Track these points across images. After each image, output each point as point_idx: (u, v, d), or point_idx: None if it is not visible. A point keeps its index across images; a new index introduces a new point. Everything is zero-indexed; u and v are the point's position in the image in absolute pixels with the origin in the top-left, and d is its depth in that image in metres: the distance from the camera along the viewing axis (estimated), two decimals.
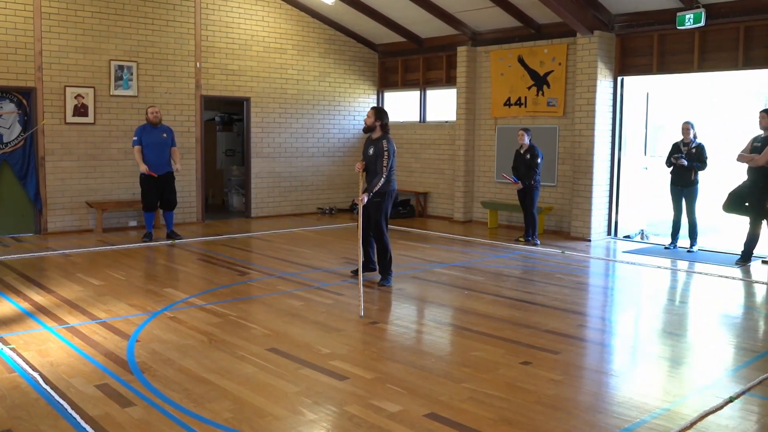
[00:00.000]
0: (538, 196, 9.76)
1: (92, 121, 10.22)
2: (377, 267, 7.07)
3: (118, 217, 10.57)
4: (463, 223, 11.92)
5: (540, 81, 10.90)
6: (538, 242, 9.56)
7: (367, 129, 6.89)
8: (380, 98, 13.85)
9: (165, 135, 9.51)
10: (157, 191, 9.47)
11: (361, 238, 6.91)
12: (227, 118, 14.47)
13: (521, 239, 9.83)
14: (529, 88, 11.07)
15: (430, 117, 13.09)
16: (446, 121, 12.64)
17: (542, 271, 7.87)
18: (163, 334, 5.21)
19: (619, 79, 10.18)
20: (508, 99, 11.38)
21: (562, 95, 10.62)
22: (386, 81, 13.75)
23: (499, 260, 8.58)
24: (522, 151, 9.63)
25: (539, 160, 9.43)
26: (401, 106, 13.55)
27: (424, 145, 12.91)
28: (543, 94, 10.88)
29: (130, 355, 4.70)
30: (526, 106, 11.14)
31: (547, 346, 5.02)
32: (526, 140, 9.53)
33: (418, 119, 13.20)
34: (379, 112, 6.86)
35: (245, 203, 12.49)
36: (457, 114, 12.03)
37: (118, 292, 6.57)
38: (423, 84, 13.02)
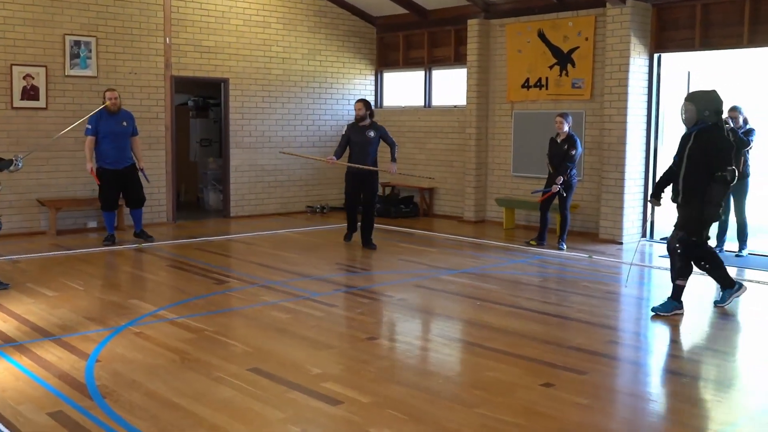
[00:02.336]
0: (573, 193, 9.70)
1: (44, 106, 10.21)
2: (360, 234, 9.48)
3: (75, 217, 10.57)
4: (474, 223, 11.92)
5: (563, 59, 10.90)
6: (564, 246, 9.57)
7: (361, 119, 9.31)
8: (379, 79, 13.86)
9: (125, 123, 9.50)
10: (118, 188, 9.46)
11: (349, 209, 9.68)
12: (202, 102, 14.47)
13: (533, 242, 9.84)
14: (550, 67, 11.08)
15: (437, 101, 13.08)
16: (455, 106, 12.64)
17: (566, 279, 7.87)
18: (128, 352, 5.20)
19: (656, 56, 10.18)
20: (527, 80, 11.38)
21: (589, 75, 10.62)
22: (386, 59, 13.74)
23: (516, 266, 8.56)
24: (559, 140, 9.57)
25: (575, 152, 9.37)
26: (403, 88, 13.55)
27: (429, 133, 12.91)
28: (567, 74, 10.88)
29: (89, 377, 4.68)
30: (547, 88, 11.15)
31: (571, 365, 5.01)
32: (566, 128, 9.49)
33: (422, 104, 13.20)
34: (368, 103, 9.40)
35: (223, 201, 12.50)
36: (467, 97, 12.03)
37: (75, 304, 6.55)
38: (428, 63, 13.02)
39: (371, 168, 9.34)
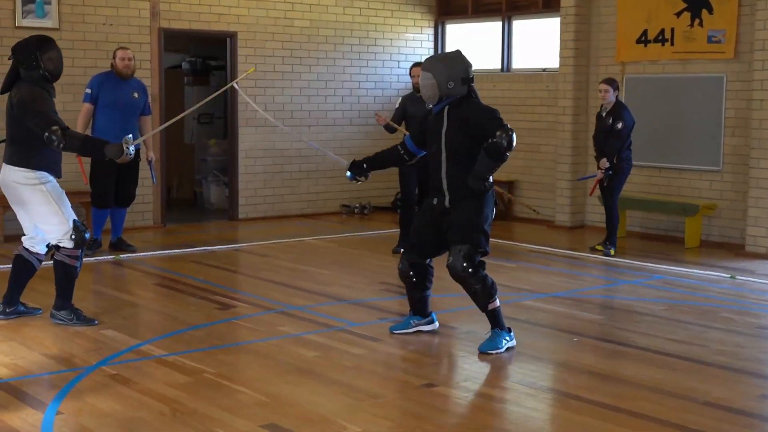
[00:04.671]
0: (624, 182, 10.10)
1: None
2: None
3: None
4: (570, 229, 11.81)
5: (697, 2, 10.76)
6: (612, 252, 9.91)
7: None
8: (439, 33, 13.84)
9: (136, 95, 9.66)
10: (114, 176, 9.56)
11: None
12: (201, 64, 14.61)
13: (599, 247, 10.17)
14: (678, 14, 10.95)
15: (519, 63, 13.02)
16: (543, 70, 12.57)
17: (699, 308, 7.76)
18: (100, 402, 5.22)
19: None
20: (644, 33, 11.26)
21: (732, 25, 10.48)
22: (448, 7, 13.73)
23: (627, 289, 8.49)
24: (604, 114, 9.97)
25: (621, 125, 9.76)
26: (472, 45, 13.47)
27: (508, 107, 12.78)
28: (701, 24, 10.75)
29: None
30: (672, 44, 11.04)
31: (708, 427, 4.93)
32: (612, 96, 9.85)
33: (499, 67, 13.15)
34: None
35: (229, 198, 12.60)
36: (560, 58, 11.97)
37: (30, 335, 6.61)
38: (507, 10, 12.97)
39: None
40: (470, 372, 5.96)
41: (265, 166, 12.45)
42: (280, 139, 12.48)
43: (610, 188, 10.00)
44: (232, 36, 12.11)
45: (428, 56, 6.40)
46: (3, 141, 7.20)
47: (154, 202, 11.57)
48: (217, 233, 11.43)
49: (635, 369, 5.96)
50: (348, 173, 6.85)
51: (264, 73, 12.31)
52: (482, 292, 6.23)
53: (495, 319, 6.35)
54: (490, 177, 6.20)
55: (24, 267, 6.96)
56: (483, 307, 6.30)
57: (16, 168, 6.64)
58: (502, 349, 6.27)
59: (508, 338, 6.35)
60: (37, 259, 6.95)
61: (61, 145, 6.42)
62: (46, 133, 6.36)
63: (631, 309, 7.69)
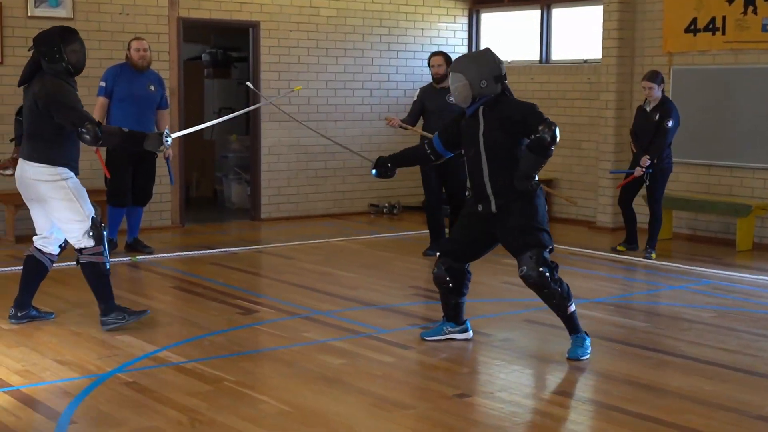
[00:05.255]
0: (666, 182, 10.07)
1: None
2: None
3: None
4: (612, 231, 11.75)
5: None
6: (652, 255, 9.88)
7: (441, 79, 9.51)
8: (474, 23, 13.82)
9: (152, 88, 9.71)
10: (129, 172, 9.62)
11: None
12: (222, 56, 14.66)
13: (621, 247, 10.32)
14: (730, 1, 10.88)
15: (558, 54, 13.00)
16: (584, 61, 12.54)
17: (751, 315, 7.72)
18: (116, 410, 5.24)
19: None
20: (693, 21, 11.19)
21: None
22: None
23: (674, 294, 8.47)
24: (648, 109, 9.91)
25: (669, 124, 9.73)
26: (508, 36, 13.48)
27: (547, 100, 12.75)
28: (755, 11, 10.68)
29: None
30: (724, 33, 10.98)
31: None
32: (657, 92, 9.81)
33: (537, 58, 13.14)
34: (449, 58, 9.53)
35: (251, 196, 12.64)
36: (603, 49, 11.93)
37: (42, 340, 6.65)
38: None
39: None
40: (506, 382, 5.92)
41: (289, 163, 12.48)
42: (304, 135, 12.46)
43: (653, 189, 9.95)
44: (255, 26, 12.14)
45: (465, 53, 6.39)
46: (12, 140, 7.24)
47: (173, 200, 11.62)
48: (238, 234, 11.47)
49: (682, 380, 5.93)
50: (373, 171, 6.87)
51: (288, 65, 12.34)
52: (560, 297, 6.20)
53: (574, 324, 6.33)
54: (536, 175, 6.18)
55: (36, 268, 6.99)
56: (563, 312, 6.26)
57: (36, 164, 6.65)
58: (588, 355, 6.29)
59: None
60: (49, 260, 6.99)
61: (98, 142, 6.44)
62: (81, 129, 6.37)
63: (678, 316, 7.64)
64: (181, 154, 11.57)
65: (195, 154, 13.59)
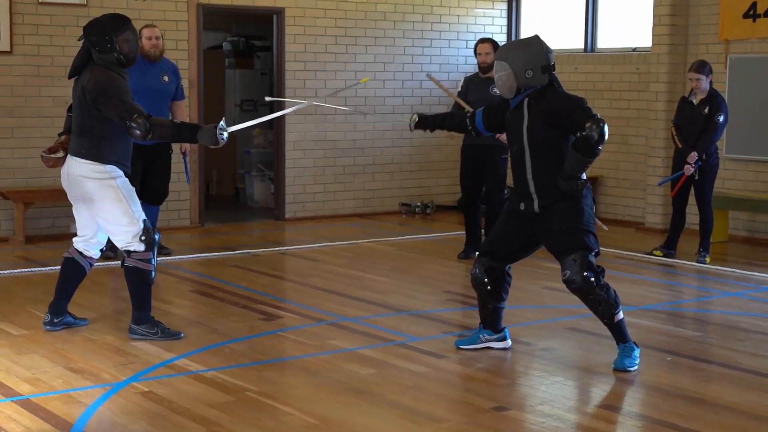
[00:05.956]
0: (715, 179, 10.06)
1: (7, 49, 10.51)
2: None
3: (53, 216, 10.84)
4: (662, 232, 11.66)
5: None
6: (706, 259, 9.85)
7: (488, 69, 9.44)
8: (514, 8, 13.79)
9: (166, 78, 9.68)
10: (140, 168, 9.63)
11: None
12: (244, 45, 14.70)
13: (657, 252, 10.23)
14: None
15: (604, 42, 12.98)
16: (633, 50, 12.50)
17: None
18: (132, 421, 5.26)
19: None
20: (753, 6, 11.12)
21: None
22: None
23: (730, 301, 8.40)
24: (695, 101, 9.82)
25: (721, 118, 9.66)
26: (551, 23, 13.47)
27: (592, 92, 12.71)
28: None
29: None
30: None
31: None
32: (705, 84, 9.72)
33: (582, 47, 13.11)
34: (497, 45, 9.39)
35: (275, 195, 12.67)
36: (653, 36, 11.89)
37: (54, 347, 6.68)
38: None
39: (498, 140, 9.04)
40: (547, 394, 5.90)
41: (316, 159, 12.50)
42: (332, 129, 12.51)
43: (702, 188, 9.88)
44: (279, 12, 12.16)
45: (504, 42, 6.36)
46: (60, 134, 7.16)
47: (191, 199, 11.67)
48: (261, 234, 11.49)
49: (739, 394, 5.88)
50: (415, 116, 6.82)
51: (314, 54, 12.36)
52: (607, 303, 6.16)
53: (622, 333, 6.29)
54: (583, 174, 6.15)
55: (75, 272, 6.98)
56: (609, 320, 6.22)
57: (84, 161, 6.61)
58: (636, 366, 6.26)
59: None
60: (89, 263, 6.99)
61: (149, 135, 6.43)
62: (129, 123, 6.34)
63: (733, 325, 7.58)
64: (200, 149, 11.59)
65: (215, 150, 13.42)
